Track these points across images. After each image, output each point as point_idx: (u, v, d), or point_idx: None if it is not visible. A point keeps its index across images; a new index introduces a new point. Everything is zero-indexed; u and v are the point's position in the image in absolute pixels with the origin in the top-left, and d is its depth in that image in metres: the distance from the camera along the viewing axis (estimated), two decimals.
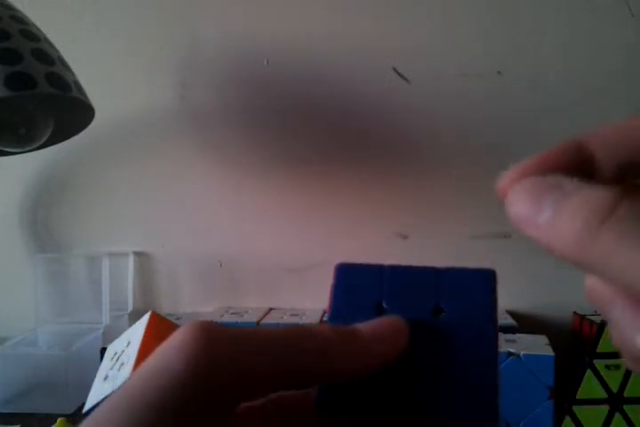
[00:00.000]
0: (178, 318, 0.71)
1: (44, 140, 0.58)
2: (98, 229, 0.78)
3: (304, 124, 0.74)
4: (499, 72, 0.69)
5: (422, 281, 0.18)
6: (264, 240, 0.75)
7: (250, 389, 0.14)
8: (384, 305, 0.17)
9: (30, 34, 0.50)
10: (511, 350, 0.51)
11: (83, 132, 0.61)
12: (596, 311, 0.67)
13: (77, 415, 0.53)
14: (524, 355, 0.50)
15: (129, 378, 0.14)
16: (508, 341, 0.54)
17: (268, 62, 0.72)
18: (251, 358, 0.14)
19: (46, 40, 0.53)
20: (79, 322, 0.71)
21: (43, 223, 0.79)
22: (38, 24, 0.54)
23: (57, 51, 0.53)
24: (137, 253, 0.78)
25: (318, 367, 0.15)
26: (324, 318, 0.19)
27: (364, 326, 0.16)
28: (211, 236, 0.76)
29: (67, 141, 0.62)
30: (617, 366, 0.51)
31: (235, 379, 0.14)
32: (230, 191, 0.75)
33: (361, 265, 0.19)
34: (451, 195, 0.72)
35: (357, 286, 0.18)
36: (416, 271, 0.18)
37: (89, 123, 0.59)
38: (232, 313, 0.71)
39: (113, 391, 0.34)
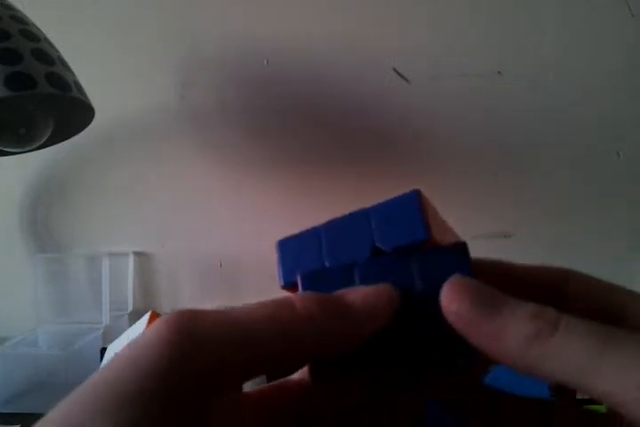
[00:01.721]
0: None
1: (43, 140, 0.58)
2: (98, 229, 0.78)
3: (304, 125, 0.74)
4: (499, 72, 0.69)
5: (354, 227, 0.18)
6: (264, 240, 0.75)
7: (232, 376, 0.14)
8: (326, 264, 0.17)
9: (30, 34, 0.50)
10: None
11: (83, 132, 0.61)
12: None
13: None
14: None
15: (103, 367, 0.13)
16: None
17: (267, 62, 0.72)
18: (232, 345, 0.14)
19: (46, 40, 0.52)
20: (79, 322, 0.71)
21: (43, 223, 0.79)
22: (38, 24, 0.54)
23: (57, 51, 0.53)
24: (137, 253, 0.78)
25: (306, 349, 0.15)
26: None
27: (356, 297, 0.16)
28: (211, 236, 0.76)
29: (67, 141, 0.62)
30: None
31: (214, 367, 0.13)
32: (230, 191, 0.75)
33: (297, 234, 0.19)
34: (451, 195, 0.72)
35: (299, 254, 0.18)
36: (347, 219, 0.18)
37: (89, 123, 0.59)
38: None
39: None
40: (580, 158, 0.70)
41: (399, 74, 0.70)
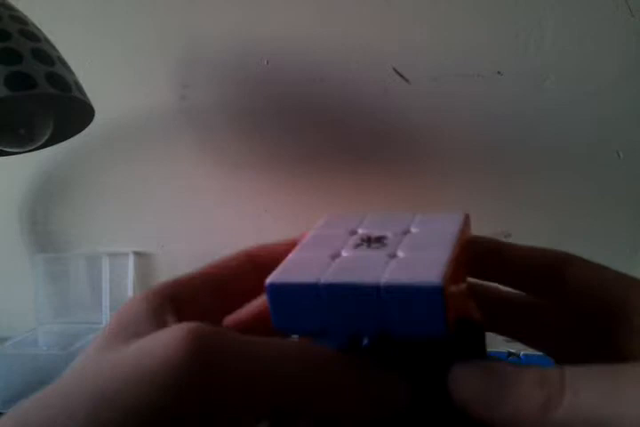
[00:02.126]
0: None
1: (43, 140, 0.58)
2: (98, 229, 0.78)
3: (304, 125, 0.74)
4: (499, 72, 0.69)
5: (363, 302, 0.15)
6: (264, 240, 0.75)
7: (241, 413, 0.13)
8: (328, 326, 0.16)
9: (30, 34, 0.50)
10: (511, 350, 0.51)
11: (83, 132, 0.61)
12: None
13: None
14: (523, 355, 0.50)
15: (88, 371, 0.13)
16: (507, 341, 0.54)
17: (267, 62, 0.72)
18: (251, 380, 0.13)
19: (46, 40, 0.52)
20: (79, 322, 0.71)
21: (43, 223, 0.79)
22: (38, 24, 0.54)
23: (57, 51, 0.53)
24: (137, 253, 0.78)
25: (318, 400, 0.14)
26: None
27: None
28: (211, 236, 0.76)
29: (67, 141, 0.62)
30: None
31: (216, 407, 0.12)
32: (230, 191, 0.75)
33: (292, 283, 0.16)
34: (451, 195, 0.72)
35: (296, 306, 0.16)
36: (355, 289, 0.15)
37: (89, 123, 0.59)
38: None
39: None
40: (580, 158, 0.70)
41: (399, 74, 0.70)
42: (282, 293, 0.16)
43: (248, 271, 0.19)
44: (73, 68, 0.54)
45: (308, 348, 0.15)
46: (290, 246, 0.20)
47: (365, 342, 0.16)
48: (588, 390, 0.13)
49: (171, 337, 0.13)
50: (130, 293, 0.77)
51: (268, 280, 0.16)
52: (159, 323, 0.14)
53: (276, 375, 0.13)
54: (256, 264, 0.19)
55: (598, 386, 0.13)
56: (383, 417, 0.15)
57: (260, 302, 0.19)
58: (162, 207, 0.76)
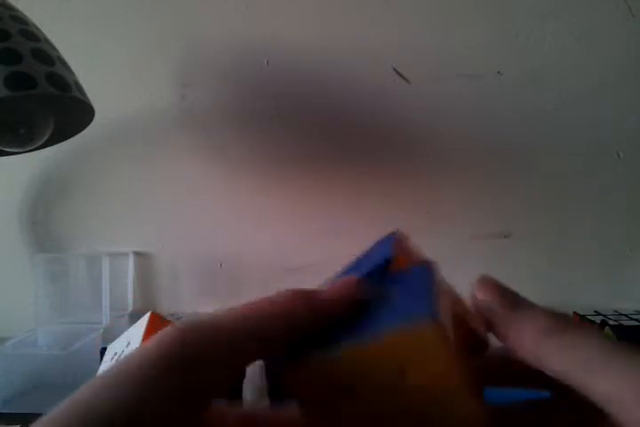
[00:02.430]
0: (178, 318, 0.71)
1: (44, 140, 0.58)
2: (98, 229, 0.78)
3: (304, 125, 0.74)
4: (499, 72, 0.69)
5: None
6: (264, 240, 0.75)
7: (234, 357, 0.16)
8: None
9: (30, 34, 0.50)
10: None
11: (83, 132, 0.61)
12: (595, 311, 0.68)
13: None
14: None
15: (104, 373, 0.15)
16: None
17: (267, 62, 0.72)
18: (223, 347, 0.15)
19: (46, 40, 0.52)
20: (79, 322, 0.71)
21: (43, 223, 0.79)
22: (38, 24, 0.54)
23: (57, 51, 0.53)
24: (137, 253, 0.78)
25: (285, 338, 0.17)
26: None
27: (327, 290, 0.19)
28: (211, 236, 0.76)
29: (67, 141, 0.62)
30: None
31: (207, 368, 0.15)
32: (230, 191, 0.75)
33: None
34: (451, 195, 0.72)
35: None
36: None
37: (89, 123, 0.59)
38: None
39: None
40: (580, 158, 0.70)
41: (399, 74, 0.70)
42: None
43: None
44: (73, 68, 0.54)
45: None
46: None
47: None
48: (591, 339, 0.15)
49: (162, 331, 0.16)
50: (130, 293, 0.77)
51: None
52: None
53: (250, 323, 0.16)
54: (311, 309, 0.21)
55: (594, 347, 0.15)
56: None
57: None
58: (162, 207, 0.76)
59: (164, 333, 0.15)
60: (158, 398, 0.14)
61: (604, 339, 0.15)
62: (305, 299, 0.18)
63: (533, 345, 0.15)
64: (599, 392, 0.14)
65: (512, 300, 0.17)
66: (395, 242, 0.21)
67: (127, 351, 0.40)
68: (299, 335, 0.17)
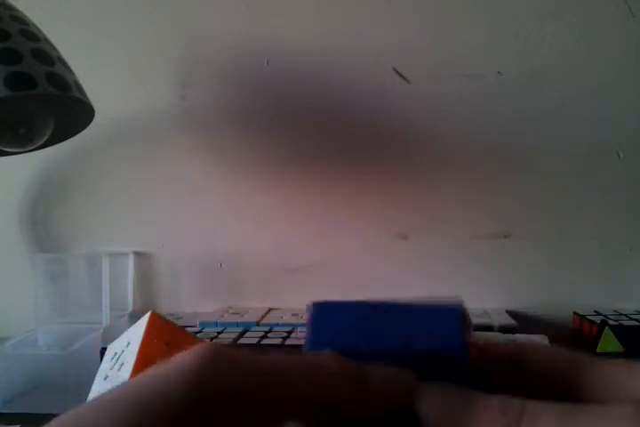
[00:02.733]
0: (178, 318, 0.71)
1: (44, 140, 0.58)
2: (98, 229, 0.78)
3: (304, 125, 0.74)
4: (499, 72, 0.69)
5: (394, 321, 0.18)
6: (264, 240, 0.75)
7: (246, 418, 0.14)
8: (358, 345, 0.18)
9: (30, 34, 0.50)
10: None
11: (83, 132, 0.61)
12: (595, 311, 0.68)
13: None
14: None
15: (120, 389, 0.14)
16: (508, 341, 0.54)
17: (267, 62, 0.72)
18: (251, 386, 0.14)
19: (46, 40, 0.53)
20: (79, 322, 0.71)
21: (43, 223, 0.79)
22: (38, 24, 0.54)
23: (57, 51, 0.53)
24: (137, 253, 0.78)
25: (321, 404, 0.15)
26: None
27: (375, 370, 0.16)
28: (211, 236, 0.76)
29: (67, 141, 0.62)
30: None
31: (232, 407, 0.14)
32: (230, 191, 0.75)
33: (335, 303, 0.19)
34: (451, 195, 0.72)
35: (332, 326, 0.18)
36: (387, 310, 0.18)
37: (89, 123, 0.59)
38: (232, 313, 0.71)
39: None
40: (580, 158, 0.70)
41: (399, 74, 0.70)
42: (323, 311, 0.18)
43: None
44: (73, 68, 0.54)
45: (306, 360, 0.16)
46: None
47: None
48: (545, 424, 0.14)
49: (189, 352, 0.15)
50: (130, 293, 0.77)
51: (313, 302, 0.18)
52: None
53: (274, 382, 0.15)
54: None
55: (555, 421, 0.14)
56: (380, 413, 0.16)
57: None
58: (162, 207, 0.76)
59: (197, 356, 0.14)
60: None
61: (564, 418, 0.14)
62: (350, 372, 0.16)
63: None
64: None
65: (459, 407, 0.16)
66: (463, 329, 0.18)
67: (127, 351, 0.40)
68: (332, 414, 0.15)
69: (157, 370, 0.14)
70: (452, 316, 0.18)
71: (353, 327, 0.18)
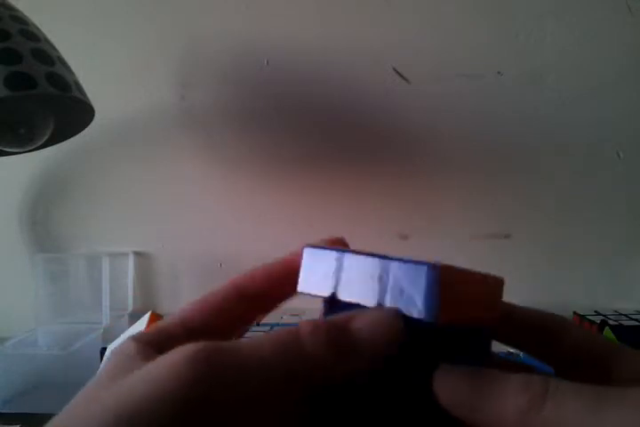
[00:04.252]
0: None
1: (44, 140, 0.58)
2: (98, 229, 0.78)
3: (304, 125, 0.74)
4: (499, 72, 0.69)
5: (369, 276, 0.17)
6: (264, 240, 0.75)
7: (243, 414, 0.14)
8: (334, 292, 0.18)
9: (30, 34, 0.50)
10: (511, 350, 0.51)
11: (83, 132, 0.61)
12: (595, 311, 0.68)
13: None
14: (523, 354, 0.50)
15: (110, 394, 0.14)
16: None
17: (267, 62, 0.72)
18: (247, 384, 0.14)
19: (46, 40, 0.52)
20: (79, 322, 0.71)
21: (43, 223, 0.79)
22: (38, 24, 0.54)
23: (57, 51, 0.53)
24: (137, 253, 0.78)
25: (312, 383, 0.15)
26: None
27: (361, 324, 0.16)
28: (211, 236, 0.76)
29: (67, 141, 0.62)
30: None
31: (228, 405, 0.14)
32: (230, 191, 0.75)
33: (324, 249, 0.19)
34: (451, 195, 0.72)
35: (318, 272, 0.18)
36: (366, 263, 0.17)
37: (89, 123, 0.59)
38: None
39: None
40: (580, 158, 0.70)
41: (399, 74, 0.70)
42: (313, 254, 0.19)
43: (234, 306, 0.20)
44: (73, 68, 0.54)
45: (282, 341, 0.15)
46: (275, 273, 0.22)
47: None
48: (570, 403, 0.14)
49: (172, 358, 0.14)
50: (130, 293, 0.77)
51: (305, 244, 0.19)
52: (149, 359, 0.15)
53: (264, 376, 0.14)
54: (243, 296, 0.20)
55: (580, 401, 0.14)
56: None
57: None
58: (162, 207, 0.76)
59: (180, 359, 0.14)
60: None
61: (590, 394, 0.14)
62: (331, 340, 0.15)
63: (517, 425, 0.14)
64: None
65: (480, 384, 0.15)
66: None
67: None
68: (322, 381, 0.15)
69: (147, 375, 0.14)
70: (420, 274, 0.16)
71: (334, 276, 0.18)
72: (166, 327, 0.18)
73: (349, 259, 0.18)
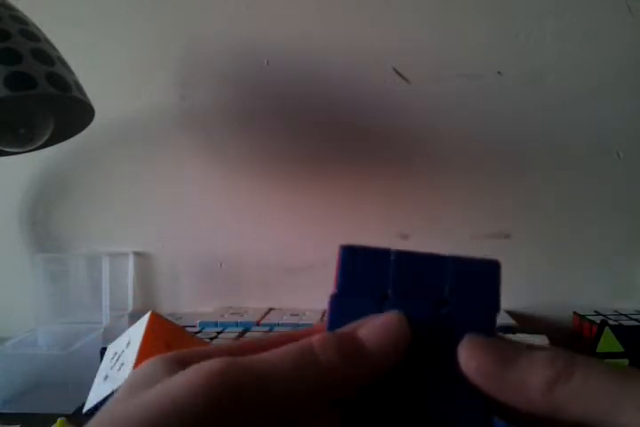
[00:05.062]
0: (178, 318, 0.71)
1: (44, 140, 0.58)
2: (98, 229, 0.78)
3: (304, 125, 0.74)
4: (499, 72, 0.69)
5: (429, 270, 0.17)
6: (264, 240, 0.75)
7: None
8: (389, 293, 0.17)
9: (30, 34, 0.50)
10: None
11: (83, 132, 0.61)
12: (595, 311, 0.68)
13: (77, 415, 0.53)
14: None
15: (131, 407, 0.14)
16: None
17: (267, 62, 0.72)
18: (265, 402, 0.14)
19: (46, 40, 0.53)
20: (79, 322, 0.71)
21: (43, 223, 0.79)
22: (38, 24, 0.54)
23: (57, 51, 0.53)
24: (137, 253, 0.78)
25: (326, 393, 0.15)
26: (325, 317, 0.17)
27: (365, 330, 0.16)
28: (211, 236, 0.76)
29: (67, 141, 0.62)
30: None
31: (252, 419, 0.14)
32: (230, 191, 0.75)
33: (367, 249, 0.18)
34: (451, 195, 0.72)
35: (362, 271, 0.17)
36: (423, 259, 0.18)
37: (89, 123, 0.59)
38: (232, 313, 0.71)
39: (113, 391, 0.33)
40: (580, 158, 0.70)
41: (399, 74, 0.70)
42: (354, 253, 0.18)
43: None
44: (73, 68, 0.54)
45: (297, 357, 0.16)
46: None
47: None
48: (597, 375, 0.14)
49: (191, 372, 0.14)
50: (130, 293, 0.77)
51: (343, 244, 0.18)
52: (172, 373, 0.15)
53: (282, 392, 0.15)
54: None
55: (608, 373, 0.14)
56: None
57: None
58: (162, 207, 0.76)
59: (197, 373, 0.14)
60: None
61: (616, 371, 0.14)
62: (337, 345, 0.16)
63: (544, 397, 0.14)
64: None
65: (507, 356, 0.15)
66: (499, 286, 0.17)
67: (127, 351, 0.40)
68: (343, 391, 0.16)
69: (166, 389, 0.14)
70: (490, 270, 0.17)
71: (382, 277, 0.17)
72: (200, 348, 0.18)
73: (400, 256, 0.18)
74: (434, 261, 0.17)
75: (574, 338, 0.68)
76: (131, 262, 0.77)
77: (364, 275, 0.17)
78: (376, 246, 0.18)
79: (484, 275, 0.17)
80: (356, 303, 0.17)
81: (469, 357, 0.16)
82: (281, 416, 0.15)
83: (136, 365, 0.38)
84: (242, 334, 0.61)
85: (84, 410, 0.42)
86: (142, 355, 0.38)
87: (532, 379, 0.15)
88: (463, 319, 0.17)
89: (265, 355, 0.15)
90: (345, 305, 0.17)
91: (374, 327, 0.16)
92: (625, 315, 0.65)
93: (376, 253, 0.18)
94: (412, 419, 0.16)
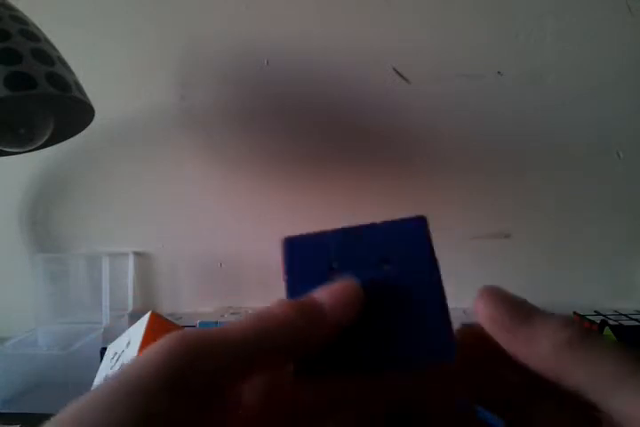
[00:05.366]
0: (178, 318, 0.71)
1: (44, 140, 0.58)
2: (98, 229, 0.78)
3: (304, 125, 0.74)
4: (499, 72, 0.69)
5: (365, 237, 0.19)
6: (264, 240, 0.75)
7: (231, 377, 0.15)
8: (334, 266, 0.19)
9: (30, 34, 0.50)
10: None
11: (83, 132, 0.61)
12: (595, 311, 0.68)
13: None
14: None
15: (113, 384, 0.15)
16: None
17: (267, 62, 0.72)
18: (226, 358, 0.15)
19: (46, 40, 0.52)
20: (79, 322, 0.71)
21: (43, 223, 0.79)
22: (38, 24, 0.54)
23: (57, 51, 0.53)
24: (137, 253, 0.78)
25: (288, 350, 0.16)
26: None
27: (322, 295, 0.18)
28: (211, 236, 0.76)
29: (67, 141, 0.62)
30: None
31: (210, 375, 0.15)
32: (230, 191, 0.75)
33: (305, 235, 0.20)
34: (451, 195, 0.72)
35: (306, 255, 0.20)
36: (357, 229, 0.19)
37: (89, 123, 0.59)
38: (232, 313, 0.71)
39: None
40: (580, 158, 0.70)
41: (399, 74, 0.70)
42: (295, 242, 0.20)
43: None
44: (73, 68, 0.54)
45: (258, 316, 0.17)
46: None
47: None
48: (608, 351, 0.14)
49: (160, 341, 0.16)
50: (130, 293, 0.77)
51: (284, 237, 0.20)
52: None
53: (244, 343, 0.16)
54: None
55: (614, 357, 0.14)
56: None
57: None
58: (162, 207, 0.76)
59: (166, 340, 0.15)
60: (159, 414, 0.14)
61: (628, 351, 0.14)
62: (300, 309, 0.17)
63: (551, 359, 0.15)
64: (625, 408, 0.13)
65: (523, 310, 0.16)
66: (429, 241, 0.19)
67: (127, 351, 0.40)
68: (305, 348, 0.17)
69: (136, 363, 0.15)
70: (418, 224, 0.19)
71: (325, 257, 0.19)
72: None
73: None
74: (367, 229, 0.19)
75: None
76: (131, 262, 0.77)
77: (308, 257, 0.20)
78: (315, 231, 0.20)
79: (413, 229, 0.19)
80: (308, 281, 0.19)
81: (485, 304, 0.16)
82: (240, 376, 0.16)
83: None
84: None
85: None
86: None
87: (544, 337, 0.15)
88: (406, 270, 0.18)
89: (227, 326, 0.16)
90: (298, 286, 0.19)
91: (330, 293, 0.18)
92: (625, 315, 0.65)
93: (314, 237, 0.20)
94: (365, 367, 0.18)
